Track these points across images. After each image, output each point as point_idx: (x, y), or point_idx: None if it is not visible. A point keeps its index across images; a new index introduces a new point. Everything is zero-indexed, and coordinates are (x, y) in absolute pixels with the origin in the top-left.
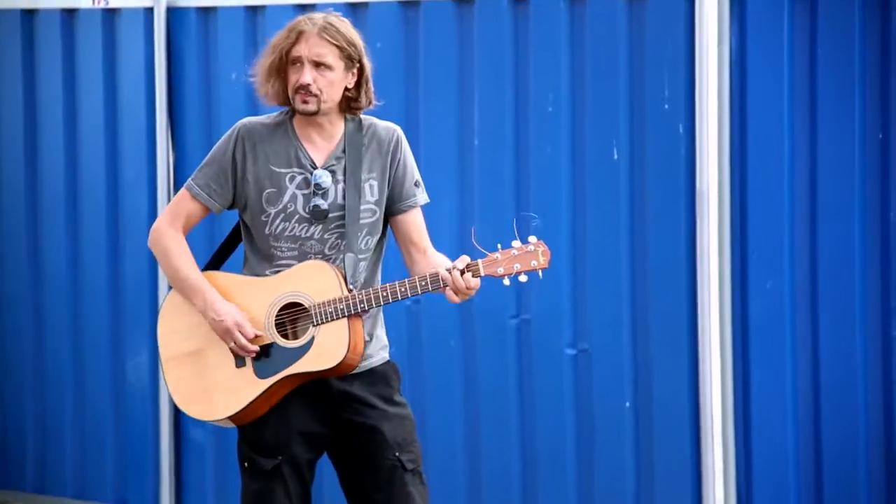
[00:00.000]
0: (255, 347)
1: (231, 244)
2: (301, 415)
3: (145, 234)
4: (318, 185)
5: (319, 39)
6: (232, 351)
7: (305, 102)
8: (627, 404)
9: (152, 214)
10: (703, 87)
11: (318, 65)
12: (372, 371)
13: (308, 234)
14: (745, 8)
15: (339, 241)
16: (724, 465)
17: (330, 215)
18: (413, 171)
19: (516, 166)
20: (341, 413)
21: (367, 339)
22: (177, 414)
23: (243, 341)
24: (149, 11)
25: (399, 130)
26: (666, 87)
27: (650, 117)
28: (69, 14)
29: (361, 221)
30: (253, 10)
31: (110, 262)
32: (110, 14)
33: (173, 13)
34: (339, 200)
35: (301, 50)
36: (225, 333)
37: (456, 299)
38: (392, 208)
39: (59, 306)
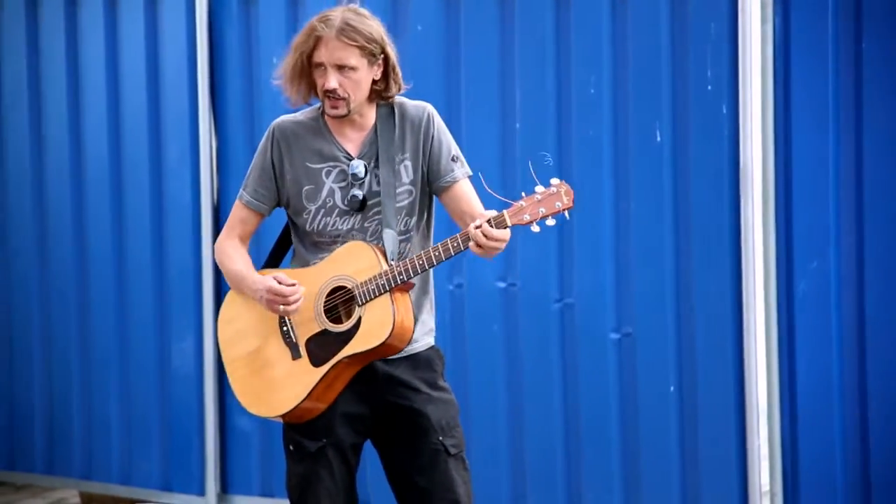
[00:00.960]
0: (297, 296)
1: (284, 243)
2: (344, 397)
3: (189, 219)
4: (354, 176)
5: (338, 43)
6: (284, 334)
7: (335, 108)
8: (672, 388)
9: (196, 199)
10: (747, 68)
11: (341, 67)
12: (416, 356)
13: (349, 226)
14: None
15: (380, 226)
16: (769, 450)
17: (368, 203)
18: (449, 147)
19: (559, 150)
20: (385, 396)
21: (415, 317)
22: (222, 400)
23: (283, 290)
24: None
25: (430, 107)
26: (709, 68)
27: (693, 98)
28: None
29: (399, 202)
30: None
31: (155, 246)
32: None
33: None
34: (375, 187)
35: (321, 56)
36: (267, 304)
37: (487, 255)
38: (433, 186)
39: (103, 291)
